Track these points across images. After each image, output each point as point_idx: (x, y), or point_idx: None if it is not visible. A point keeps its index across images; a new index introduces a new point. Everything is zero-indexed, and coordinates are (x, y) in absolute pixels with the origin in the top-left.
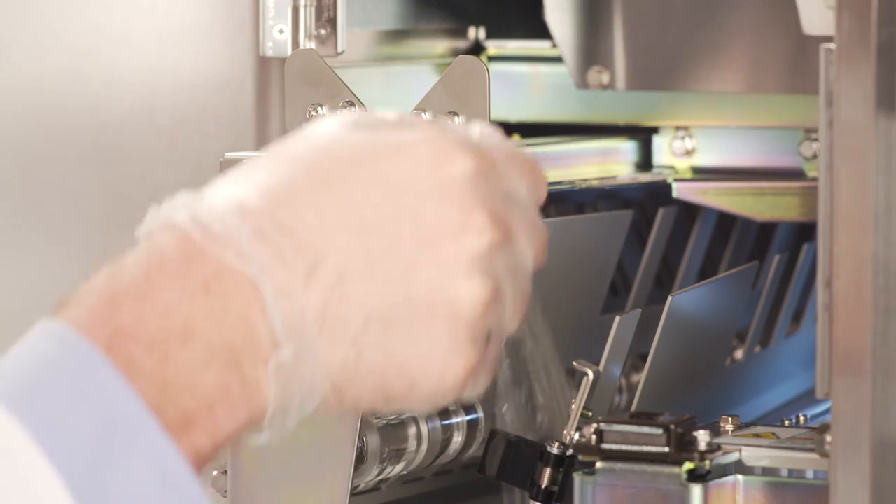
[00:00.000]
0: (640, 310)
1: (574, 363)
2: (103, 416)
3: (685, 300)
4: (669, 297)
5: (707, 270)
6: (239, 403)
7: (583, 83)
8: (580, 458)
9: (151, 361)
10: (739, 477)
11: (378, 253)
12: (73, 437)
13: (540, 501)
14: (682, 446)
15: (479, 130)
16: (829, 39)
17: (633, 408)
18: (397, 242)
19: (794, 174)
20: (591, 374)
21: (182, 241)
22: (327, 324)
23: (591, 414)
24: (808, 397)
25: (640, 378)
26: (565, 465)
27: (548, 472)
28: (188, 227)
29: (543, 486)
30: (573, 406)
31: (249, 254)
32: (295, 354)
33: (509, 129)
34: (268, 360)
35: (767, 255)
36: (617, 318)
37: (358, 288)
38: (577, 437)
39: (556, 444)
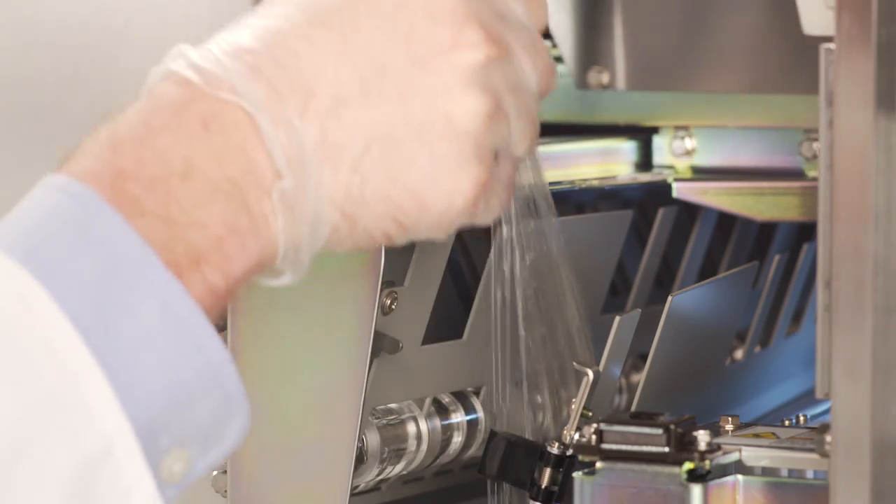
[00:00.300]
0: (640, 310)
1: (574, 363)
2: (107, 258)
3: (685, 300)
4: (669, 297)
5: (707, 270)
6: (248, 238)
7: (583, 83)
8: (580, 458)
9: (154, 200)
10: (739, 477)
11: (372, 77)
12: (78, 281)
13: (540, 501)
14: (682, 446)
15: None
16: (829, 39)
17: (633, 408)
18: (391, 65)
19: (794, 174)
20: (591, 374)
21: (179, 85)
22: (327, 151)
23: (591, 414)
24: (808, 397)
25: (640, 378)
26: (565, 465)
27: (548, 472)
28: (184, 72)
29: (543, 486)
30: (573, 406)
31: (245, 89)
32: (297, 183)
33: None
34: (271, 192)
35: (767, 255)
36: (617, 318)
37: (354, 113)
38: (577, 437)
39: (556, 444)
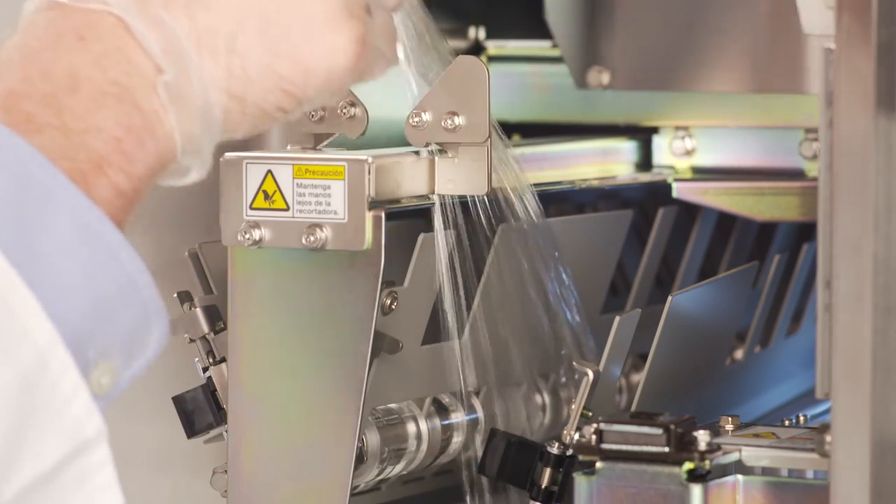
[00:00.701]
0: (639, 310)
1: (574, 363)
2: (16, 179)
3: (685, 300)
4: (669, 297)
5: (707, 270)
6: (144, 135)
7: (583, 83)
8: (580, 458)
9: (48, 113)
10: (739, 477)
11: None
12: None
13: (540, 501)
14: (682, 446)
15: None
16: (829, 39)
17: (633, 408)
18: None
19: (794, 174)
20: (591, 374)
21: (50, 7)
22: (201, 37)
23: (591, 414)
24: (808, 397)
25: (640, 378)
26: (565, 465)
27: (548, 472)
28: None
29: (543, 487)
30: (573, 406)
31: None
32: (178, 74)
33: (509, 129)
34: (156, 87)
35: (767, 255)
36: (617, 319)
37: (221, 1)
38: (577, 437)
39: (557, 444)
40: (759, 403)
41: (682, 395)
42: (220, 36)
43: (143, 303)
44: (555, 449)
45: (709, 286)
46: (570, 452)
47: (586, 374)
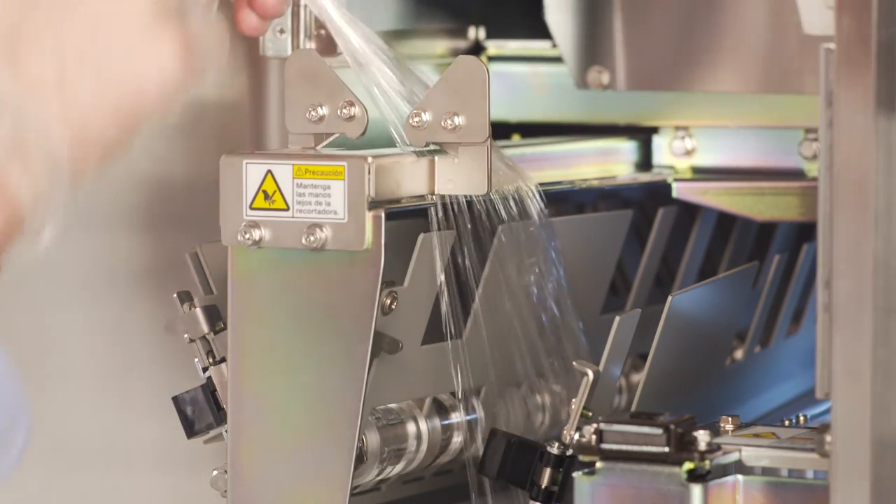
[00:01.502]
0: (639, 310)
1: (574, 363)
2: None
3: (685, 300)
4: (669, 297)
5: (707, 270)
6: None
7: (583, 83)
8: (580, 458)
9: None
10: (739, 477)
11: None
12: None
13: (540, 501)
14: (682, 446)
15: None
16: (829, 39)
17: (633, 408)
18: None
19: (794, 174)
20: (591, 374)
21: None
22: (30, 80)
23: (591, 414)
24: (808, 397)
25: (640, 378)
26: (565, 465)
27: (548, 472)
28: None
29: (543, 487)
30: (573, 406)
31: None
32: (13, 123)
33: (509, 129)
34: None
35: (767, 255)
36: (617, 319)
37: (33, 44)
38: (577, 437)
39: (556, 445)
40: (758, 403)
41: (682, 395)
42: (46, 73)
43: (10, 402)
44: (555, 449)
45: (709, 286)
46: (570, 452)
47: (586, 374)
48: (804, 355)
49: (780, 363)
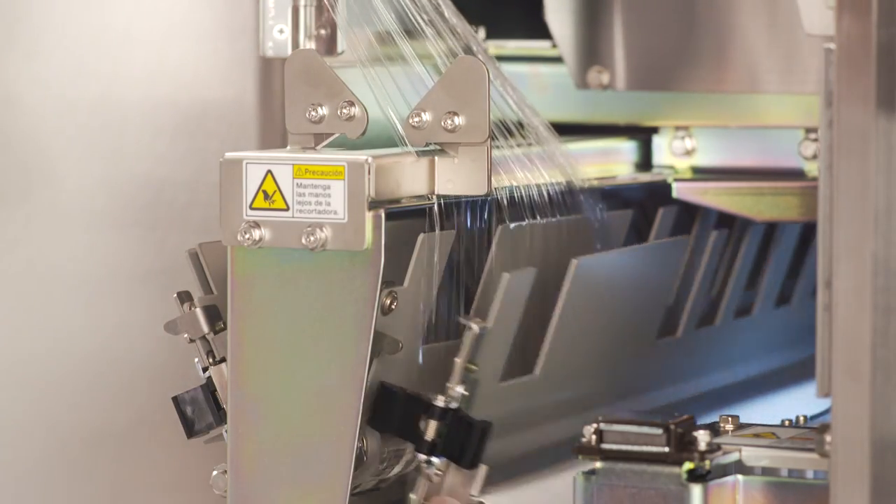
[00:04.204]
0: (534, 269)
1: (460, 317)
2: None
3: (592, 264)
4: (574, 261)
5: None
6: None
7: (583, 83)
8: (580, 458)
9: None
10: (739, 477)
11: None
12: None
13: (424, 453)
14: (682, 446)
15: None
16: (829, 39)
17: (538, 371)
18: None
19: (794, 174)
20: (475, 328)
21: None
22: None
23: (475, 368)
24: (752, 382)
25: (545, 339)
26: (448, 418)
27: (433, 424)
28: None
29: (428, 439)
30: (457, 359)
31: None
32: None
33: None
34: None
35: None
36: (505, 276)
37: None
38: (461, 389)
39: (441, 397)
40: (699, 384)
41: (603, 364)
42: None
43: None
44: (440, 402)
45: (618, 253)
46: (453, 405)
47: (471, 329)
48: (755, 340)
49: (726, 345)
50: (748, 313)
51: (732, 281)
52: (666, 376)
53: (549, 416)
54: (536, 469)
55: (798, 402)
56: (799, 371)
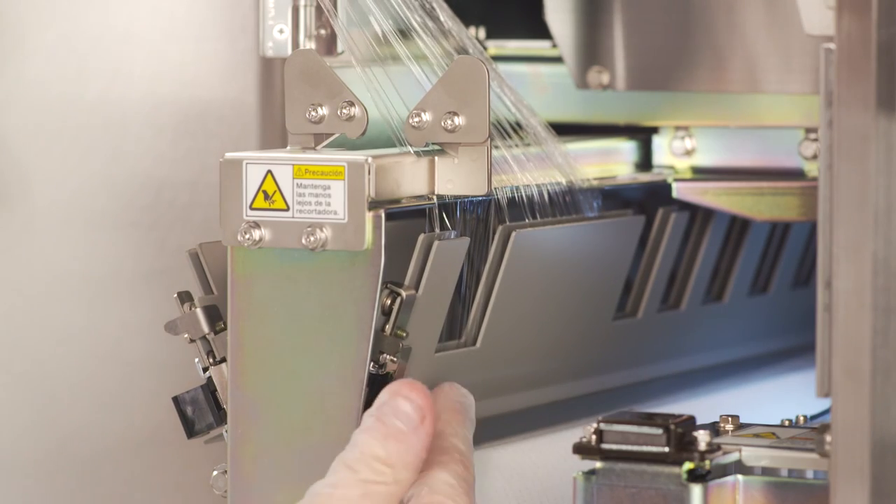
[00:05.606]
0: (467, 238)
1: (389, 284)
2: None
3: (531, 238)
4: (513, 233)
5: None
6: None
7: (583, 83)
8: (581, 458)
9: None
10: (739, 477)
11: None
12: None
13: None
14: (682, 446)
15: None
16: (829, 39)
17: (478, 343)
18: None
19: (794, 174)
20: (403, 294)
21: None
22: None
23: (405, 335)
24: (714, 371)
25: (485, 315)
26: (376, 384)
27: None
28: None
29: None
30: (386, 326)
31: None
32: None
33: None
34: None
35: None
36: (436, 243)
37: None
38: (392, 359)
39: (372, 364)
40: (662, 367)
41: (554, 344)
42: None
43: None
44: (371, 368)
45: (558, 229)
46: (382, 371)
47: (400, 295)
48: (725, 328)
49: (692, 331)
50: (720, 300)
51: (697, 264)
52: (623, 358)
53: (495, 389)
54: (478, 440)
55: (771, 395)
56: (772, 360)
